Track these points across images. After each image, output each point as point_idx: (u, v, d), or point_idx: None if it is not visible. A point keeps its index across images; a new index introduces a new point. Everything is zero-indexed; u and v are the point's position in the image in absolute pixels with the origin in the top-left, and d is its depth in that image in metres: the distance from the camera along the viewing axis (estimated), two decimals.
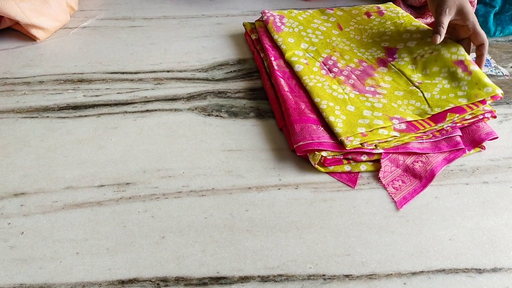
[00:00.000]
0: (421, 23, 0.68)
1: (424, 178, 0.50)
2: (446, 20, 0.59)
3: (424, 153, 0.52)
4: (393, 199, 0.48)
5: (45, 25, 0.71)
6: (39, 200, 0.46)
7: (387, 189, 0.49)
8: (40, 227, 0.44)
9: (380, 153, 0.51)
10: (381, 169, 0.50)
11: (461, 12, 0.59)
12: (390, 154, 0.52)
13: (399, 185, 0.49)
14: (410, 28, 0.67)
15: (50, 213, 0.45)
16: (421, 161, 0.51)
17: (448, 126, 0.53)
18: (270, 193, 0.48)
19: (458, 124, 0.54)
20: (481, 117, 0.54)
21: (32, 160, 0.51)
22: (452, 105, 0.54)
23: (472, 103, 0.54)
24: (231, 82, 0.65)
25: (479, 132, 0.54)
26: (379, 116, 0.53)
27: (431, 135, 0.53)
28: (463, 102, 0.54)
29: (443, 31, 0.58)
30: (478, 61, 0.59)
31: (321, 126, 0.52)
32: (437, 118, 0.53)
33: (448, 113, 0.53)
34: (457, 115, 0.53)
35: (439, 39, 0.58)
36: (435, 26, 0.59)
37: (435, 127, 0.53)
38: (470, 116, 0.54)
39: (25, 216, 0.45)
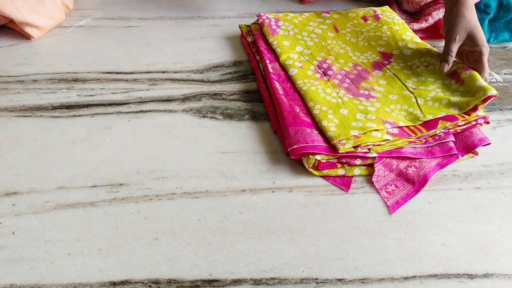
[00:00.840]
0: (415, 35, 0.69)
1: (417, 183, 0.50)
2: (454, 48, 0.58)
3: (418, 158, 0.52)
4: (386, 203, 0.48)
5: (40, 23, 0.70)
6: (31, 200, 0.46)
7: (380, 193, 0.49)
8: (31, 227, 0.44)
9: (374, 157, 0.51)
10: (374, 173, 0.50)
11: (470, 38, 0.58)
12: (384, 159, 0.52)
13: (392, 190, 0.50)
14: (405, 37, 0.67)
15: (42, 213, 0.45)
16: (414, 166, 0.52)
17: (441, 132, 0.53)
18: (264, 196, 0.48)
19: (451, 130, 0.54)
20: (474, 123, 0.54)
21: (24, 160, 0.51)
22: (444, 114, 0.54)
23: (464, 112, 0.54)
24: (226, 84, 0.64)
25: (472, 138, 0.54)
26: (373, 119, 0.53)
27: (424, 140, 0.53)
28: (454, 112, 0.54)
29: (451, 59, 0.59)
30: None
31: (315, 129, 0.53)
32: (429, 124, 0.53)
33: (440, 121, 0.53)
34: (449, 122, 0.53)
35: (447, 67, 0.59)
36: (444, 54, 0.59)
37: (427, 133, 0.53)
38: (463, 123, 0.54)
39: (17, 215, 0.45)
